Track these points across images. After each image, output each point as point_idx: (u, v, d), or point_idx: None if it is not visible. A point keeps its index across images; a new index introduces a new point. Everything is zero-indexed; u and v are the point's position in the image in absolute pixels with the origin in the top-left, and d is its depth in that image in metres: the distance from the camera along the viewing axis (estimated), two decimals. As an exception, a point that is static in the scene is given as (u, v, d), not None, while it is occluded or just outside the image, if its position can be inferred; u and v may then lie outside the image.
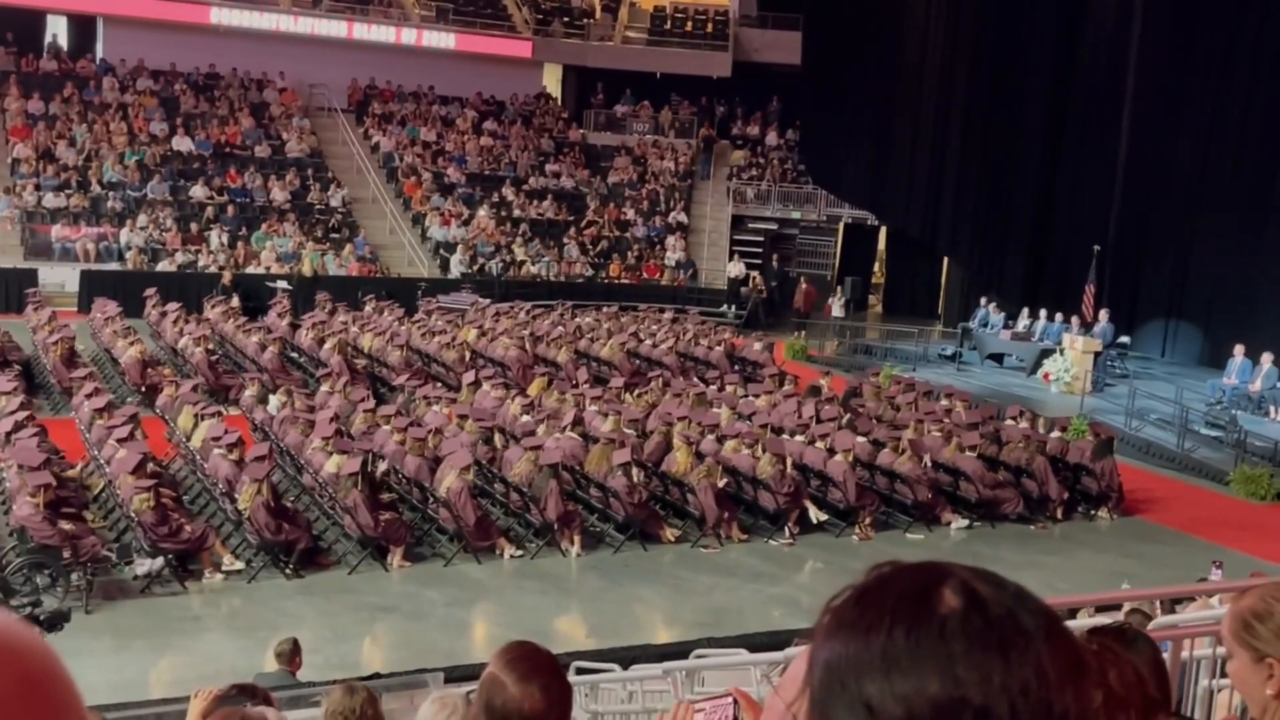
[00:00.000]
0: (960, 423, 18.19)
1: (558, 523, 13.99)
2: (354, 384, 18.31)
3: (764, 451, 15.52)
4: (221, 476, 13.48)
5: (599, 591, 13.24)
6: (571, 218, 35.45)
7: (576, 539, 14.10)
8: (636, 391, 19.25)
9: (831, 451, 16.02)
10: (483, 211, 34.02)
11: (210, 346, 20.51)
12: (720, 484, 14.99)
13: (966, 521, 16.14)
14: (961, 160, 31.84)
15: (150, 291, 25.00)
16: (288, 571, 12.82)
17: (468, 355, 21.40)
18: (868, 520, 15.71)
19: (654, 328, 25.19)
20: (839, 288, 32.49)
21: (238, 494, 13.04)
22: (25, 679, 0.76)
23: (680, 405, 18.06)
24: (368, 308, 25.53)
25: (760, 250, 36.41)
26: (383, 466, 14.10)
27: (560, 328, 24.69)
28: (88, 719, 0.77)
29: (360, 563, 13.20)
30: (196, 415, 15.22)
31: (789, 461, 15.56)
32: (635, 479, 14.67)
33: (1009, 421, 18.40)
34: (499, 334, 23.18)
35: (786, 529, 15.33)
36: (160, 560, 12.19)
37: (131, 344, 19.78)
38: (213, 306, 24.57)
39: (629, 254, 34.41)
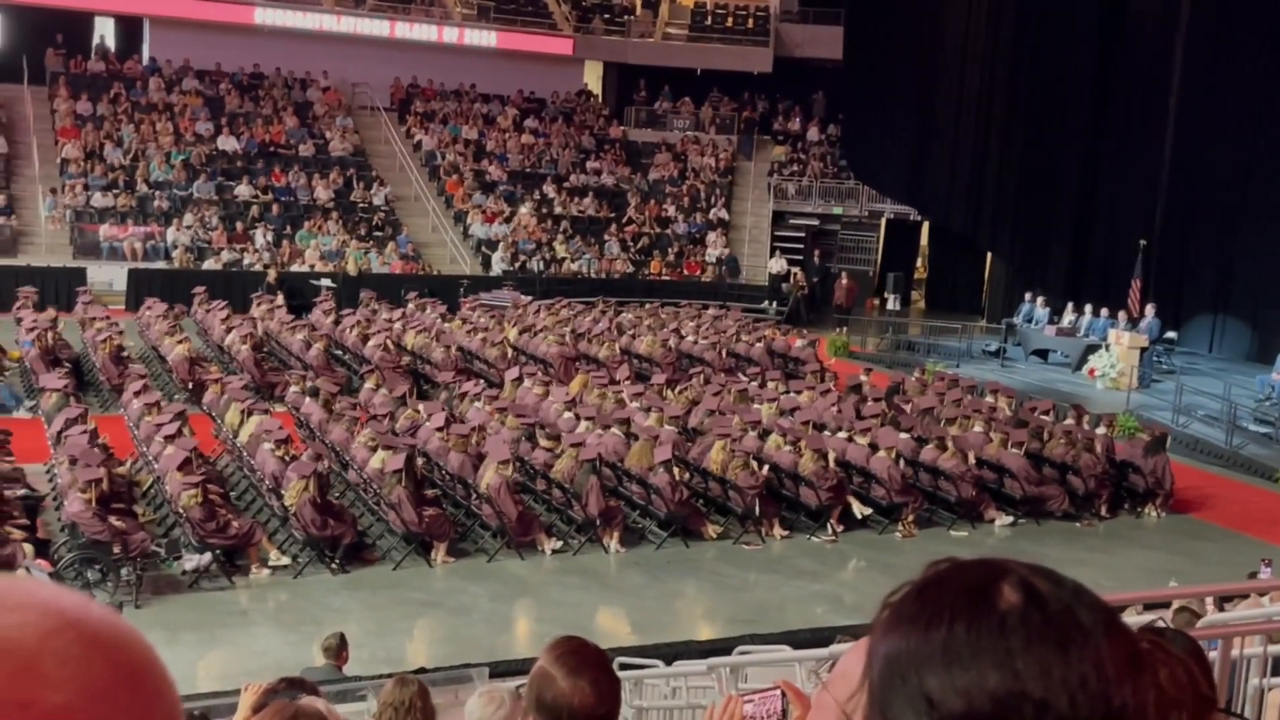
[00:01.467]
0: (1004, 419, 18.06)
1: (599, 519, 14.03)
2: (398, 381, 18.44)
3: (806, 448, 15.48)
4: (268, 473, 13.62)
5: (641, 587, 13.26)
6: (612, 214, 35.50)
7: (616, 535, 14.13)
8: (678, 388, 19.25)
9: (874, 448, 15.96)
10: (524, 209, 34.14)
11: (256, 344, 20.70)
12: (761, 479, 14.96)
13: (1010, 518, 16.03)
14: (1004, 153, 31.60)
15: (199, 290, 25.26)
16: (333, 567, 12.93)
17: (510, 352, 21.50)
18: (910, 517, 15.63)
19: (695, 324, 25.16)
20: (890, 280, 32.25)
21: (284, 490, 13.17)
22: (126, 669, 0.79)
23: (721, 401, 18.04)
24: (411, 305, 25.69)
25: (801, 246, 36.31)
26: (419, 463, 14.21)
27: (601, 324, 24.74)
28: (181, 708, 0.79)
29: (404, 558, 13.29)
30: (243, 412, 15.37)
31: (831, 458, 15.52)
32: (677, 476, 14.69)
33: (1046, 417, 18.28)
34: (539, 330, 23.26)
35: (829, 526, 15.28)
36: (208, 555, 12.34)
37: (179, 342, 20.02)
38: (258, 304, 24.81)
39: (669, 251, 34.43)
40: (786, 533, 15.12)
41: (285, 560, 12.91)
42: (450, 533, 13.56)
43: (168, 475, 12.93)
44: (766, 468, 15.30)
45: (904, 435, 16.60)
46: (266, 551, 12.88)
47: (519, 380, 18.78)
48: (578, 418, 16.71)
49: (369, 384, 18.24)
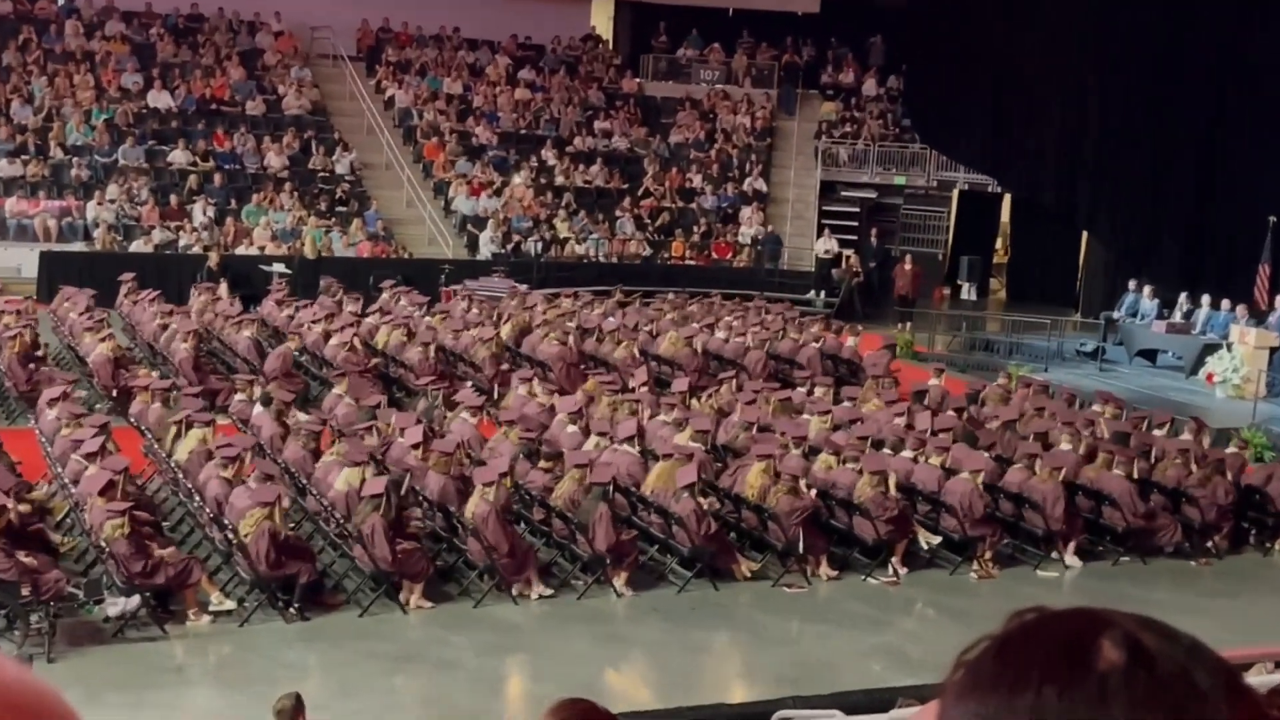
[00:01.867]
0: (1105, 435, 18.02)
1: (608, 556, 14.05)
2: (366, 388, 18.48)
3: (864, 470, 15.48)
4: (210, 498, 13.66)
5: (660, 639, 13.29)
6: (625, 186, 35.57)
7: (626, 574, 14.15)
8: (704, 396, 19.26)
9: (949, 471, 15.94)
10: (518, 179, 34.21)
11: (198, 342, 20.78)
12: (808, 506, 14.96)
13: (1080, 562, 16.03)
14: (1105, 112, 31.52)
15: (126, 277, 25.36)
16: (288, 613, 12.96)
17: (500, 352, 21.51)
18: (989, 554, 15.62)
19: (732, 319, 25.07)
20: (964, 266, 32.22)
21: (230, 518, 13.20)
22: None
23: (760, 413, 18.03)
24: (385, 294, 25.77)
25: (855, 224, 36.32)
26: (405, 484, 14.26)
27: (614, 319, 24.73)
28: None
29: (373, 602, 13.32)
30: (180, 424, 15.41)
31: (892, 482, 15.51)
32: (704, 504, 14.69)
33: (1158, 432, 18.23)
34: (538, 325, 23.29)
35: (890, 564, 15.27)
36: (136, 599, 12.37)
37: (102, 340, 20.09)
38: (199, 294, 24.88)
39: (695, 229, 34.47)
40: (837, 573, 15.13)
41: (229, 604, 12.95)
42: (427, 570, 13.58)
43: (88, 501, 12.97)
44: (814, 492, 15.31)
45: (982, 454, 16.58)
46: (206, 594, 12.92)
47: (519, 385, 18.87)
48: (585, 432, 16.71)
49: (337, 389, 18.29)
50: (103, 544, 12.48)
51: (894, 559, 15.33)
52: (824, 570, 15.08)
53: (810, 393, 19.76)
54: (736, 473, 15.88)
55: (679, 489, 14.60)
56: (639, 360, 21.98)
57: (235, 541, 12.92)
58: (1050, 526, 15.87)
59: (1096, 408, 19.51)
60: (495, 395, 18.43)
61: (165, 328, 21.42)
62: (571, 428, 16.90)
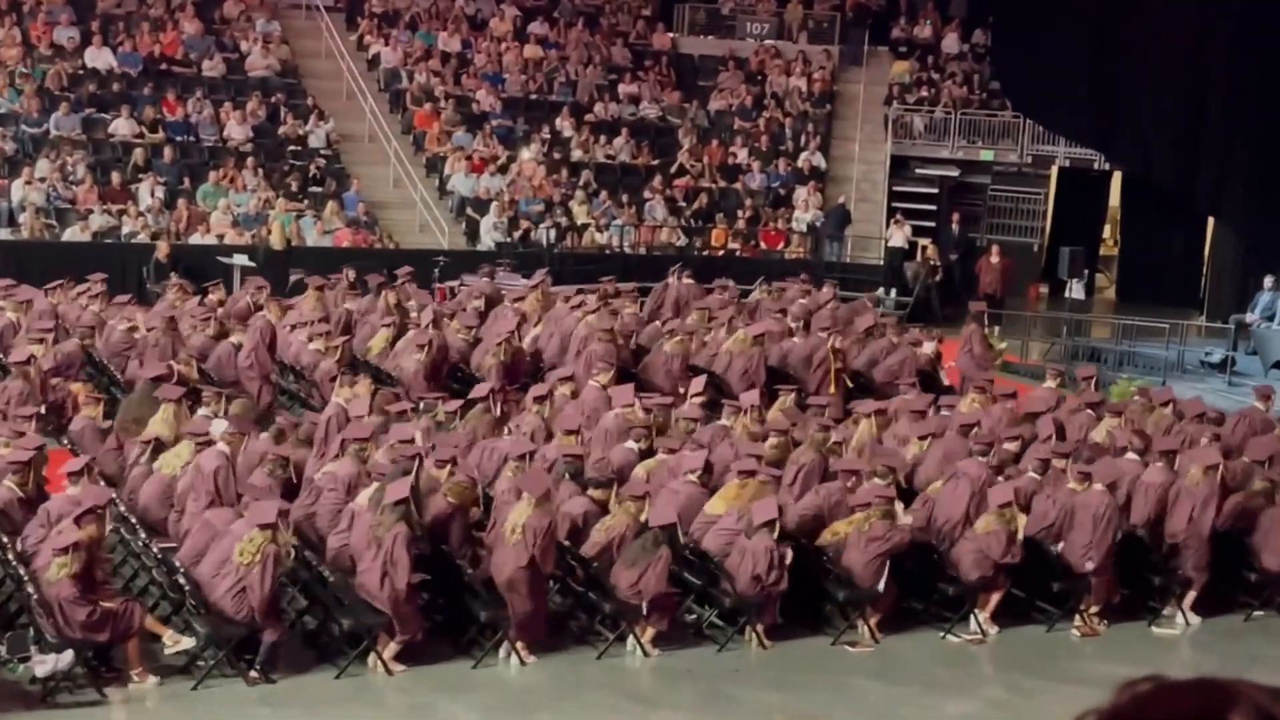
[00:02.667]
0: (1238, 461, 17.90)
1: (649, 607, 14.04)
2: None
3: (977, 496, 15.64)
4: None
5: (697, 707, 13.26)
6: (656, 162, 35.52)
7: (652, 631, 14.16)
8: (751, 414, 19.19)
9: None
10: (527, 154, 34.22)
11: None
12: (903, 537, 14.97)
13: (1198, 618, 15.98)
14: (1232, 76, 31.36)
15: (96, 278, 24.95)
16: (251, 674, 12.98)
17: (509, 360, 21.42)
18: (1094, 608, 15.58)
19: (802, 310, 24.86)
20: (1064, 258, 31.99)
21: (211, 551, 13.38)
22: None
23: (847, 432, 18.13)
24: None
25: (934, 208, 36.20)
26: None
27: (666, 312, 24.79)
28: None
29: (353, 660, 13.33)
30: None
31: (1022, 523, 15.38)
32: (782, 550, 14.50)
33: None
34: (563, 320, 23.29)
35: (975, 618, 15.26)
36: (69, 655, 12.37)
37: (37, 341, 20.18)
38: (170, 291, 24.61)
39: (739, 214, 34.44)
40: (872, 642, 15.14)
41: (187, 642, 12.91)
42: (421, 625, 13.61)
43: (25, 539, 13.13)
44: (910, 519, 15.32)
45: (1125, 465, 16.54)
46: (165, 641, 12.91)
47: (560, 387, 19.15)
48: (644, 453, 16.68)
49: (340, 395, 18.34)
50: (39, 588, 12.48)
51: (983, 612, 15.28)
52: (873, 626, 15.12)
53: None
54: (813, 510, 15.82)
55: (756, 524, 14.43)
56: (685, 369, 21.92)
57: (236, 578, 12.92)
58: (1186, 571, 15.87)
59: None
60: (500, 413, 18.33)
61: (131, 328, 21.50)
62: (629, 444, 16.90)
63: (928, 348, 24.06)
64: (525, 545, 13.50)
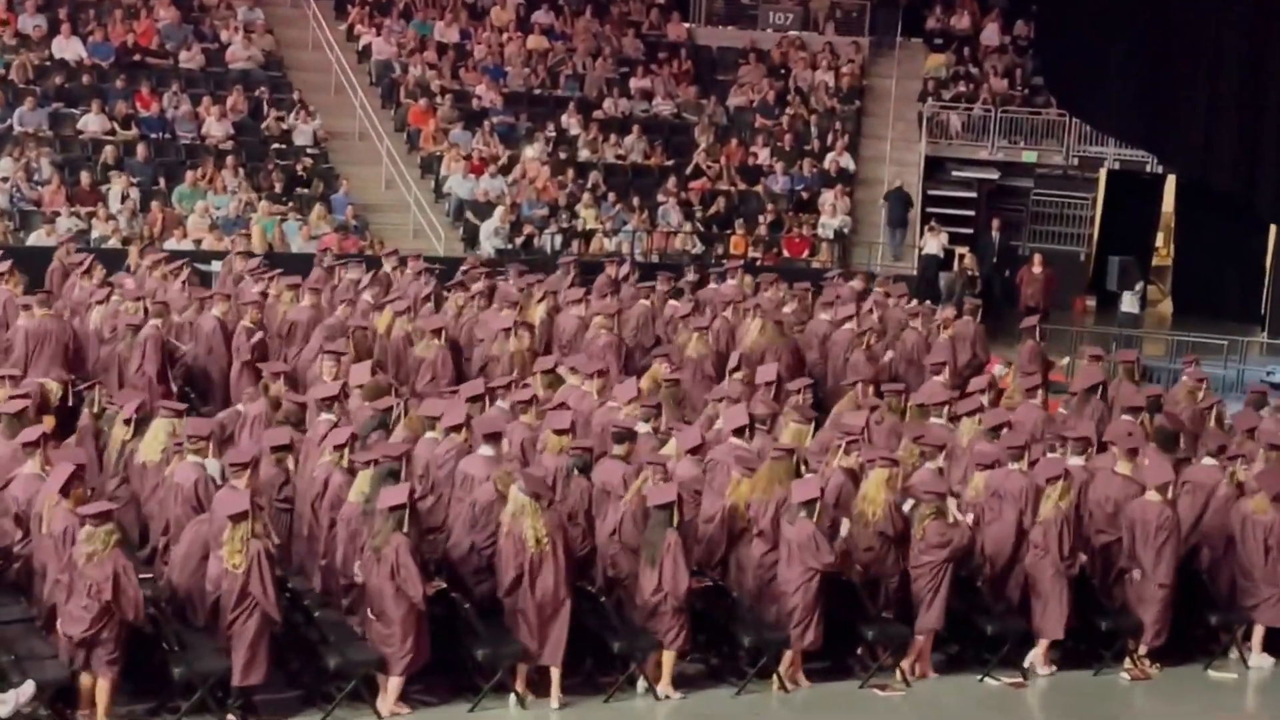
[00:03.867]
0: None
1: (674, 616, 13.98)
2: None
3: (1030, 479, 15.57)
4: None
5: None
6: (670, 163, 35.52)
7: (667, 666, 14.11)
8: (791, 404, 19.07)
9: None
10: (531, 153, 34.21)
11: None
12: (964, 540, 14.89)
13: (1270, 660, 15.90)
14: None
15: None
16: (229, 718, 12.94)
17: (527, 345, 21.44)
18: (1143, 649, 15.54)
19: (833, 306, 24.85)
20: (1113, 268, 31.97)
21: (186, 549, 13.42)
22: None
23: (878, 423, 18.13)
24: (386, 265, 25.92)
25: (971, 213, 36.18)
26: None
27: (676, 303, 24.72)
28: None
29: (340, 701, 13.26)
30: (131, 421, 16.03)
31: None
32: (843, 531, 14.55)
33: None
34: (573, 309, 23.36)
35: (1031, 660, 15.27)
36: (30, 687, 12.35)
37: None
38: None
39: (760, 220, 34.40)
40: (931, 672, 15.14)
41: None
42: (425, 653, 13.60)
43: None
44: (971, 518, 15.18)
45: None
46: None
47: (553, 376, 18.99)
48: (657, 432, 16.75)
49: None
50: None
51: (1040, 654, 15.27)
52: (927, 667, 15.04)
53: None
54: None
55: (793, 505, 14.31)
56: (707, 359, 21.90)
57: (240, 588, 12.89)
58: (1250, 604, 15.83)
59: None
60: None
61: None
62: (644, 426, 16.81)
63: (998, 370, 24.11)
64: (558, 555, 13.58)
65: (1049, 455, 16.36)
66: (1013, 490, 15.57)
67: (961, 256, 34.10)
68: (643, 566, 14.08)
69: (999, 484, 15.68)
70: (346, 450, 14.89)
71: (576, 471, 15.08)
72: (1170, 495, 15.59)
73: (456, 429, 15.86)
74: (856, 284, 27.34)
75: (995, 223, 35.45)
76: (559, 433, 15.86)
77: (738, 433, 16.18)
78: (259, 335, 21.23)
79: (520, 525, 13.52)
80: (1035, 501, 15.32)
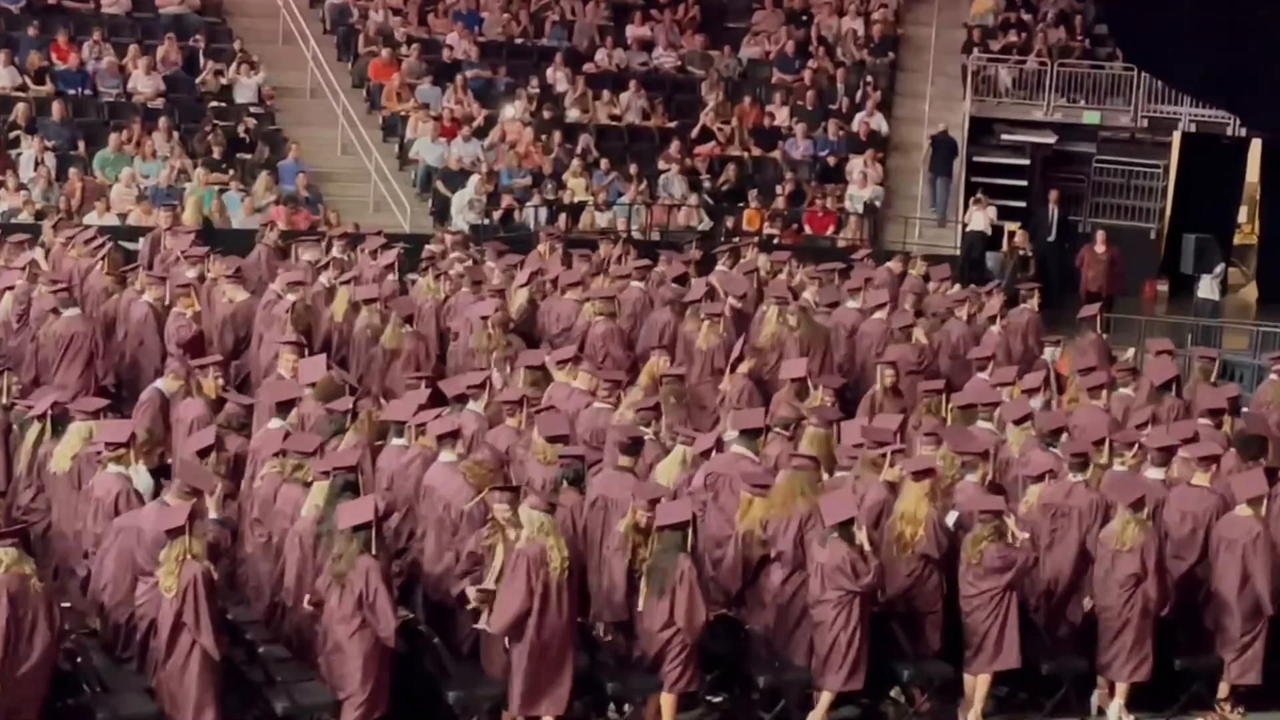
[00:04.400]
0: None
1: (682, 654, 13.87)
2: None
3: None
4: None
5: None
6: (673, 124, 35.61)
7: (669, 714, 14.00)
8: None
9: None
10: (511, 112, 34.24)
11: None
12: (1028, 560, 14.79)
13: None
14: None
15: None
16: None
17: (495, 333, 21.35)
18: (1223, 692, 15.50)
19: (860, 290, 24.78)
20: (1189, 247, 31.82)
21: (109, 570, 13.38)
22: None
23: (911, 423, 18.11)
24: (336, 247, 25.67)
25: (1024, 184, 36.23)
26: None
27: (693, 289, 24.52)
28: None
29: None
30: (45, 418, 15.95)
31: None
32: (868, 548, 14.28)
33: None
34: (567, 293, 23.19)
35: (1114, 712, 15.25)
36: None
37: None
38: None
39: (778, 190, 34.40)
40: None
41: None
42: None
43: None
44: (1026, 536, 15.03)
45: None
46: None
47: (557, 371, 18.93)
48: (657, 439, 16.68)
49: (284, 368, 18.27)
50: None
51: (1117, 698, 15.19)
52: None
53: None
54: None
55: (828, 529, 14.22)
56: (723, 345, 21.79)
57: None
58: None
59: None
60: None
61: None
62: (645, 429, 16.75)
63: (1048, 354, 23.98)
64: (573, 586, 13.51)
65: (1116, 467, 16.27)
66: (1077, 507, 15.48)
67: (1012, 234, 34.18)
68: (647, 597, 13.94)
69: (1058, 499, 15.58)
70: (298, 460, 14.79)
71: (566, 484, 14.96)
72: (1264, 510, 15.48)
73: (424, 434, 15.76)
74: (891, 265, 27.23)
75: (1052, 194, 35.55)
76: (551, 439, 15.72)
77: (744, 436, 16.06)
78: (195, 326, 21.17)
79: (535, 548, 13.30)
80: (1101, 520, 15.24)
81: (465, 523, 14.28)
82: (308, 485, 14.34)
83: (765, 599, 14.78)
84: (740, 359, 20.52)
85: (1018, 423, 17.78)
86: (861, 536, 14.16)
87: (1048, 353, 23.84)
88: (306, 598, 13.55)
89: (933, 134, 35.40)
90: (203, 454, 15.10)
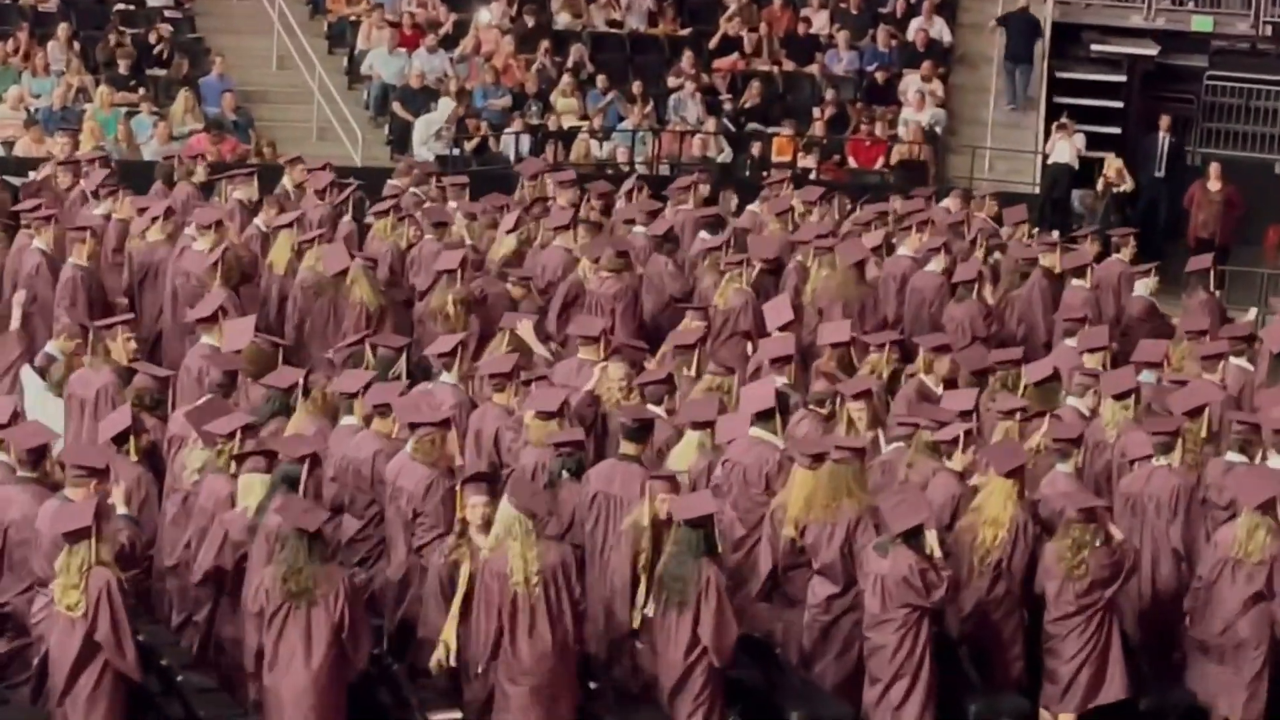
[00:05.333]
0: None
1: (708, 684, 13.86)
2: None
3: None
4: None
5: None
6: (685, 33, 35.70)
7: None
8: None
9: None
10: (487, 15, 34.31)
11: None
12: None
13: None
14: None
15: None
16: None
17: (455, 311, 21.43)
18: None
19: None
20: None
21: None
22: None
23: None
24: (288, 179, 26.00)
25: (1119, 105, 36.32)
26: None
27: (706, 235, 24.59)
28: None
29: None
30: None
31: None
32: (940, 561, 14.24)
33: None
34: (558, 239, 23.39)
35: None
36: None
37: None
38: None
39: (815, 114, 34.49)
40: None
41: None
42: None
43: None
44: (1122, 538, 15.00)
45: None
46: None
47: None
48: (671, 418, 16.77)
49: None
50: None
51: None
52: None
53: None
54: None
55: (893, 537, 14.11)
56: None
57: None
58: None
59: None
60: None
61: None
62: (656, 408, 16.83)
63: (1142, 287, 23.99)
64: (554, 604, 13.40)
65: (1230, 456, 16.26)
66: (1157, 495, 15.68)
67: (1110, 165, 34.09)
68: (662, 614, 13.93)
69: (1136, 487, 15.87)
70: (230, 446, 14.83)
71: (566, 474, 15.14)
72: None
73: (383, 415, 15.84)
74: (952, 204, 27.24)
75: (1165, 121, 35.41)
76: (543, 416, 15.81)
77: (760, 419, 16.04)
78: (94, 278, 21.24)
79: (500, 558, 13.32)
80: (1184, 514, 15.44)
81: (425, 520, 14.46)
82: (234, 477, 14.45)
83: (804, 619, 14.86)
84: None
85: (1119, 398, 17.72)
86: (932, 541, 14.12)
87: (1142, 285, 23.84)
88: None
89: (1006, 12, 35.44)
90: (118, 440, 15.14)
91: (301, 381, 16.76)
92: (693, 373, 18.42)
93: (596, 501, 14.97)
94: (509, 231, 23.57)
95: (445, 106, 31.86)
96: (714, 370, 18.29)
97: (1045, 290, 23.16)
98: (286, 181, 25.93)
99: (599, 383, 17.72)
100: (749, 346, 20.43)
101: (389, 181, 26.72)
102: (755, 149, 33.81)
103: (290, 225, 22.61)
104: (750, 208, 26.46)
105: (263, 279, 22.07)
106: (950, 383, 18.69)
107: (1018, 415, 16.88)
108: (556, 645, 13.33)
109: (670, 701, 13.87)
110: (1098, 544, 14.48)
